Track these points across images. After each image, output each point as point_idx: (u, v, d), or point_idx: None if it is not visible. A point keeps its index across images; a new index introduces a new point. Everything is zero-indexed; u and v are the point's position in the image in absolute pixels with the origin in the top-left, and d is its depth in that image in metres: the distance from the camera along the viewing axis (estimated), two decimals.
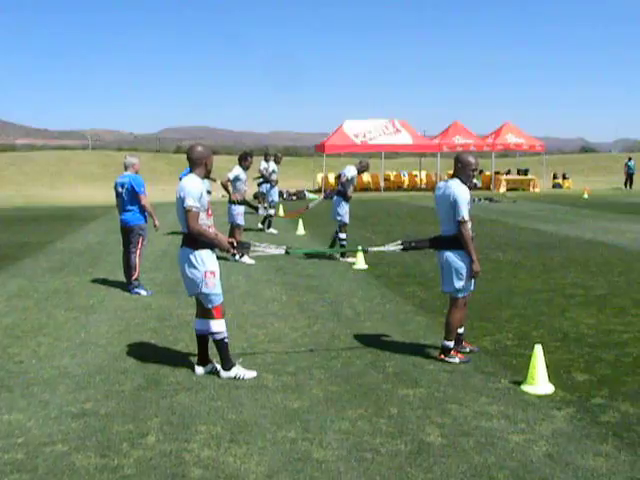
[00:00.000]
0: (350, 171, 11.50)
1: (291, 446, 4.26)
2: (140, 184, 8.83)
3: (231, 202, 11.72)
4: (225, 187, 11.83)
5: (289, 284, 9.41)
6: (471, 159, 5.88)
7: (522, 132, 37.81)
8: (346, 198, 11.54)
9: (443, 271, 5.95)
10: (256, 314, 7.66)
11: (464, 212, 5.66)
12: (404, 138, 34.97)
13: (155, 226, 9.00)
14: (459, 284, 5.83)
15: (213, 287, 5.44)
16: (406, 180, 38.76)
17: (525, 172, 37.72)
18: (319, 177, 35.56)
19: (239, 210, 11.72)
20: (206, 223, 5.45)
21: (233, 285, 9.31)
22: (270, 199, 17.04)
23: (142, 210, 8.89)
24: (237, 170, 11.92)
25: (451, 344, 5.95)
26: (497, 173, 36.88)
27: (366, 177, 34.62)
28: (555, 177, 40.09)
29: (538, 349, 5.27)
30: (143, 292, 8.81)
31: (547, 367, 5.31)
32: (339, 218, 11.59)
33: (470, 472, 3.92)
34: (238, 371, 5.52)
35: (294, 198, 29.16)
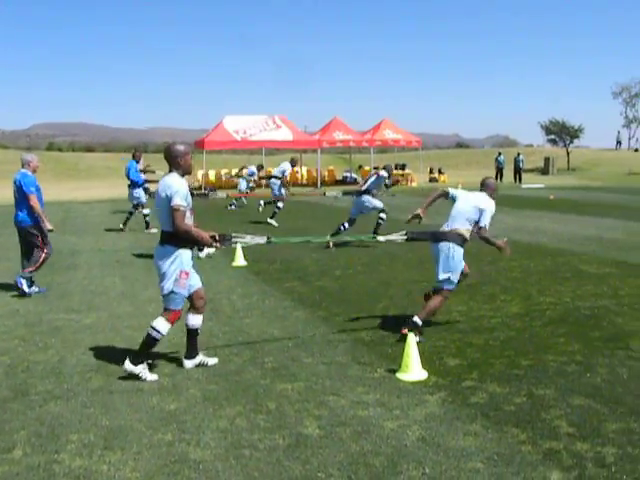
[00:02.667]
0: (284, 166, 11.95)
1: (168, 449, 4.18)
2: (29, 183, 8.45)
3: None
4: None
5: None
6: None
7: (399, 128, 38.87)
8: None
9: (440, 262, 6.46)
10: (132, 315, 7.46)
11: (488, 221, 6.60)
12: (284, 134, 35.10)
13: (48, 229, 8.62)
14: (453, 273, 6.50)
15: (183, 288, 5.45)
16: (287, 176, 38.83)
17: (403, 167, 38.83)
18: (199, 174, 35.05)
19: None
20: (190, 221, 5.45)
21: (108, 286, 9.04)
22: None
23: (32, 210, 8.48)
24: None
25: (420, 323, 6.29)
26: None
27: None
28: (431, 172, 41.52)
29: (411, 338, 5.44)
30: (25, 287, 8.47)
31: (421, 354, 5.49)
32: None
33: (347, 460, 3.99)
34: (142, 371, 5.41)
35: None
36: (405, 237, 6.72)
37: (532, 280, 9.17)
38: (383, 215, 12.92)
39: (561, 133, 59.27)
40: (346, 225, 12.49)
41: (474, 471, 3.85)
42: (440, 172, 41.04)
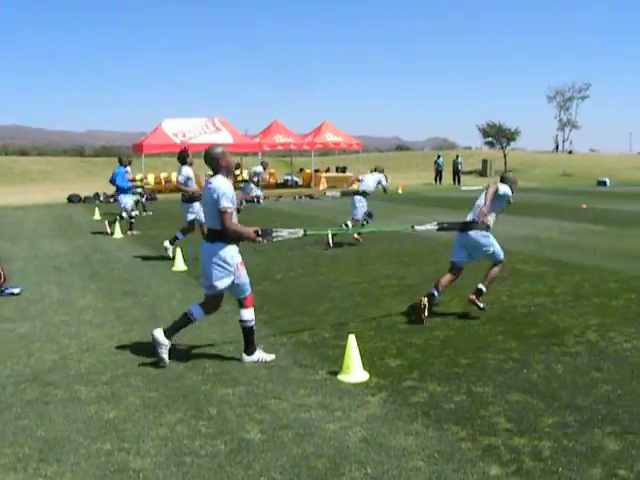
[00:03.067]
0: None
1: (107, 458, 4.09)
2: None
3: (187, 201, 11.38)
4: (180, 189, 11.55)
5: (104, 290, 9.05)
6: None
7: (340, 131, 39.11)
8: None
9: (472, 249, 7.40)
10: (69, 323, 7.29)
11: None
12: (225, 137, 34.87)
13: None
14: (492, 249, 7.34)
15: (245, 277, 5.82)
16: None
17: (344, 169, 39.07)
18: (138, 178, 34.46)
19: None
20: (236, 220, 5.80)
21: (44, 294, 8.81)
22: None
23: None
24: (186, 171, 11.39)
25: (485, 290, 7.37)
26: (317, 171, 37.85)
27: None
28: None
29: (351, 339, 5.46)
30: (15, 290, 8.77)
31: (362, 356, 5.52)
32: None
33: (289, 464, 3.98)
34: (260, 355, 5.89)
35: (111, 200, 28.10)
36: (437, 227, 7.64)
37: (471, 280, 9.31)
38: (369, 219, 13.45)
39: (498, 136, 60.55)
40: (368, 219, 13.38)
41: (415, 469, 3.89)
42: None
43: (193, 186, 11.43)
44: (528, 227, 16.07)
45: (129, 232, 15.79)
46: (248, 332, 5.89)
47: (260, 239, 5.91)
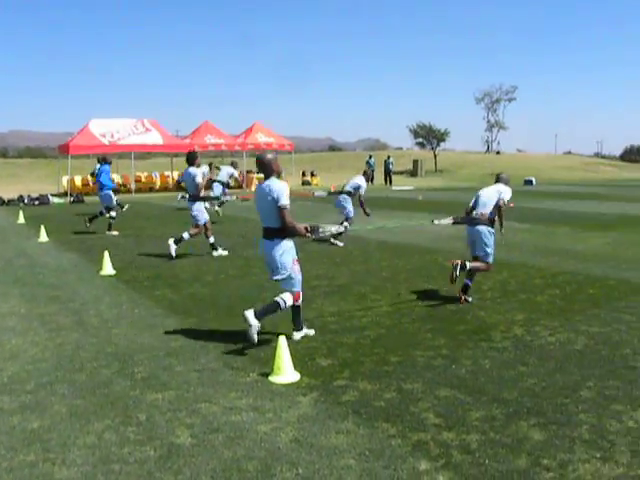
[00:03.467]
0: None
1: (30, 470, 3.96)
2: None
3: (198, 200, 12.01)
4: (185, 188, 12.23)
5: (28, 295, 8.76)
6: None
7: (272, 132, 39.06)
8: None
9: (478, 242, 8.10)
10: None
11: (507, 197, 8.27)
12: (154, 138, 34.37)
13: None
14: (489, 250, 8.11)
15: (298, 273, 6.42)
16: (158, 181, 38.04)
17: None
18: (64, 180, 33.56)
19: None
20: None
21: None
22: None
23: None
24: (195, 171, 11.98)
25: (468, 268, 7.91)
26: (249, 172, 37.67)
27: (117, 178, 33.41)
28: (304, 174, 41.99)
29: (282, 340, 5.46)
30: None
31: (293, 356, 5.52)
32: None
33: (220, 467, 3.94)
34: (306, 331, 6.62)
35: (36, 203, 27.33)
36: (452, 221, 8.77)
37: (401, 278, 9.47)
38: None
39: (428, 136, 61.65)
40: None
41: (346, 468, 3.91)
42: (313, 175, 41.63)
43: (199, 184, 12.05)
44: (458, 226, 16.34)
45: (108, 232, 15.77)
46: (275, 308, 6.34)
47: (309, 235, 6.47)
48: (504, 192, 8.26)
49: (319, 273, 9.92)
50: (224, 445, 4.24)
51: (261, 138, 37.64)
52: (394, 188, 35.14)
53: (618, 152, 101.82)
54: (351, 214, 13.94)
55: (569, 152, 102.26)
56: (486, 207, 8.14)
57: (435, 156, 59.15)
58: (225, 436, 4.36)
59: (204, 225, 11.97)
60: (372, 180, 39.63)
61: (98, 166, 16.45)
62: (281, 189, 6.17)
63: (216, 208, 19.19)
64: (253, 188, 34.75)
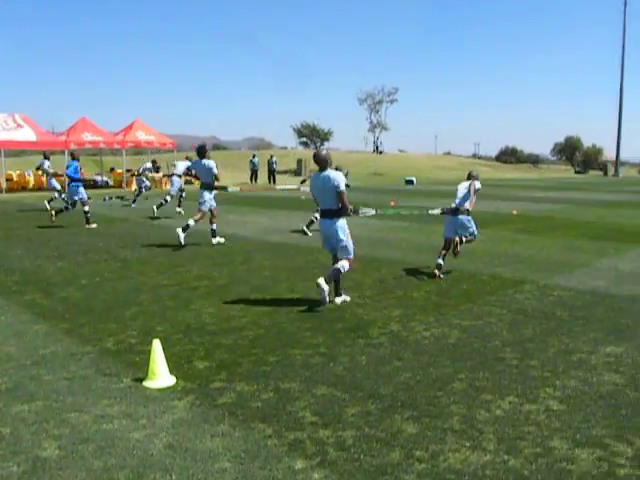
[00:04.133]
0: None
1: None
2: None
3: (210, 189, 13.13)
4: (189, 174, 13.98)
5: None
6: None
7: (152, 129, 38.18)
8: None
9: (460, 225, 10.11)
10: None
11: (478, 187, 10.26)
12: (27, 134, 32.68)
13: None
14: (472, 229, 10.23)
15: (352, 243, 8.11)
16: (32, 180, 36.22)
17: (157, 169, 38.08)
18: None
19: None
20: None
21: None
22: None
23: None
24: (211, 163, 13.11)
25: (458, 250, 10.31)
26: (129, 171, 36.63)
27: None
28: (187, 173, 41.23)
29: (156, 344, 5.32)
30: None
31: (169, 360, 5.40)
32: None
33: (89, 478, 3.78)
34: (344, 297, 8.07)
35: None
36: (440, 211, 10.51)
37: (282, 278, 9.47)
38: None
39: (312, 136, 62.26)
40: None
41: (221, 471, 3.85)
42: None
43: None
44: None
45: (87, 226, 16.25)
46: (335, 274, 7.94)
47: (352, 214, 8.23)
48: (476, 184, 10.25)
49: (200, 274, 9.76)
50: (94, 455, 4.07)
51: (141, 136, 36.71)
52: (278, 187, 35.15)
53: (494, 153, 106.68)
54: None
55: (448, 153, 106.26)
56: (462, 199, 10.12)
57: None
58: (96, 446, 4.19)
59: (211, 212, 13.16)
60: (256, 179, 39.60)
61: (67, 162, 17.67)
62: (340, 178, 7.80)
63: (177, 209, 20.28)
64: (134, 188, 33.86)
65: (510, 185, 41.60)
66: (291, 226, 16.19)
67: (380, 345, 6.23)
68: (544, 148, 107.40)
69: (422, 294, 8.45)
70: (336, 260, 8.12)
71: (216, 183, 13.42)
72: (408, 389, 5.11)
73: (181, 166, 20.76)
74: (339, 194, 7.72)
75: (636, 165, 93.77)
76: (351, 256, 8.04)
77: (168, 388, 5.14)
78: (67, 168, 16.91)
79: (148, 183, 24.31)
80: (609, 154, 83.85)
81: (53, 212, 16.72)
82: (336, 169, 14.78)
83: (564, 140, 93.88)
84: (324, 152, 8.08)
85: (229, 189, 17.33)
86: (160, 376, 5.21)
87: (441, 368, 5.60)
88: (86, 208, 16.53)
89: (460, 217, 10.10)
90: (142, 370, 5.43)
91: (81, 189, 16.56)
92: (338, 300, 7.96)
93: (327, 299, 7.68)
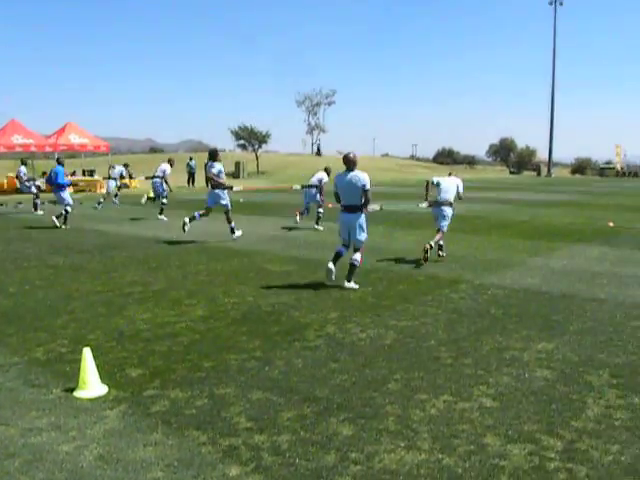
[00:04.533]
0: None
1: None
2: None
3: (222, 188, 14.19)
4: (210, 179, 14.18)
5: None
6: None
7: (86, 132, 37.37)
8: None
9: (440, 218, 11.44)
10: None
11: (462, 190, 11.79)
12: None
13: None
14: (446, 223, 11.54)
15: (367, 235, 9.30)
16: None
17: (91, 173, 37.39)
18: None
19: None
20: None
21: None
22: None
23: None
24: (219, 166, 14.06)
25: (438, 245, 11.57)
26: (73, 174, 35.76)
27: None
28: (122, 177, 40.51)
29: (87, 352, 5.18)
30: None
31: (101, 368, 5.28)
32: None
33: None
34: (353, 285, 8.97)
35: None
36: (428, 204, 11.97)
37: (218, 282, 9.37)
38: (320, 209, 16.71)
39: (250, 138, 61.95)
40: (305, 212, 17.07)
41: None
42: (131, 177, 40.25)
43: (223, 177, 14.28)
44: (276, 227, 16.58)
45: (63, 226, 16.99)
46: (353, 268, 9.05)
47: (366, 210, 9.23)
48: (460, 184, 11.69)
49: (133, 279, 9.57)
50: (21, 470, 3.92)
51: (75, 139, 35.88)
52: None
53: (431, 154, 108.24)
54: (322, 201, 16.81)
55: (387, 154, 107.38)
56: (448, 194, 11.40)
57: (257, 158, 59.57)
58: (23, 460, 4.05)
59: (227, 210, 14.35)
60: (193, 182, 39.15)
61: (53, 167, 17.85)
62: (366, 177, 8.91)
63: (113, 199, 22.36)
64: (104, 190, 33.00)
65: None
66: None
67: (316, 348, 6.22)
68: (480, 149, 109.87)
69: (359, 295, 8.48)
70: (344, 246, 9.25)
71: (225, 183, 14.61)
72: (344, 391, 5.11)
73: (117, 170, 20.73)
74: (366, 192, 8.88)
75: (568, 165, 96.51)
76: (363, 245, 9.24)
77: (99, 398, 5.01)
78: (56, 175, 17.47)
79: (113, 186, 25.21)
80: (542, 155, 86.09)
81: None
82: (325, 169, 16.89)
83: (499, 142, 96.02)
84: (352, 154, 9.03)
85: (234, 188, 17.90)
86: (91, 386, 5.07)
87: (377, 369, 5.62)
88: (68, 208, 17.29)
89: (444, 208, 11.45)
90: (73, 380, 5.27)
91: (67, 193, 17.54)
92: (347, 285, 8.94)
93: (333, 279, 8.96)
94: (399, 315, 7.47)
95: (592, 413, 4.76)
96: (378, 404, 4.87)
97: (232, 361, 5.82)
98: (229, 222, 14.32)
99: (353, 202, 8.93)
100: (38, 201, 22.64)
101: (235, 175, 52.38)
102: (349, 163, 8.96)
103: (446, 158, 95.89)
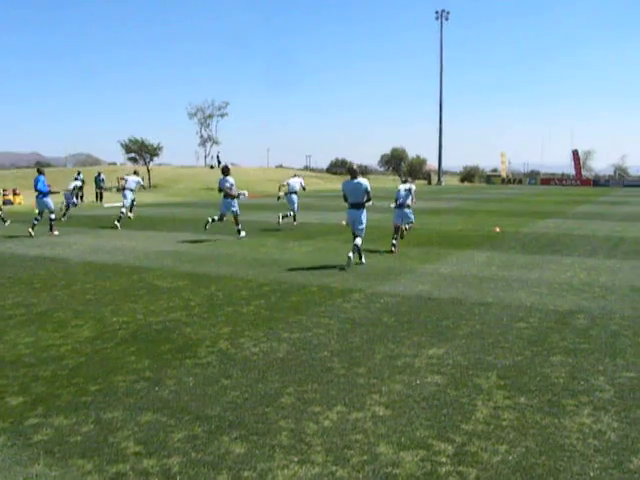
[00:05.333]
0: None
1: None
2: None
3: (232, 198, 16.97)
4: (227, 191, 16.87)
5: None
6: None
7: None
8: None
9: (405, 215, 14.87)
10: None
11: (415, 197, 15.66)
12: None
13: None
14: (412, 218, 15.70)
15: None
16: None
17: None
18: None
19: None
20: None
21: None
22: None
23: None
24: (231, 180, 17.00)
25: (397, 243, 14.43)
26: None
27: None
28: (5, 193, 38.69)
29: None
30: None
31: None
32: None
33: None
34: (364, 260, 12.36)
35: None
36: (394, 206, 14.98)
37: (106, 301, 9.04)
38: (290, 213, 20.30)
39: (141, 151, 60.61)
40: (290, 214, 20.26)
41: None
42: (15, 193, 38.52)
43: (235, 190, 17.12)
44: (167, 242, 16.23)
45: (50, 232, 18.42)
46: (356, 248, 11.98)
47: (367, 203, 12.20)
48: (413, 187, 15.22)
49: (16, 301, 9.08)
50: None
51: None
52: (106, 205, 33.75)
53: (325, 165, 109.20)
54: (296, 209, 20.40)
55: (281, 165, 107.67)
56: (406, 198, 14.85)
57: (149, 171, 58.30)
58: None
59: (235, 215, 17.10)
60: (82, 198, 37.83)
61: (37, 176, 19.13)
62: (368, 183, 12.08)
63: (128, 214, 22.65)
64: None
65: (340, 196, 42.88)
66: (117, 245, 15.58)
67: (208, 364, 6.09)
68: (373, 159, 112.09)
69: (252, 309, 8.40)
70: (355, 236, 12.04)
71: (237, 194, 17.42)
72: (236, 408, 5.03)
73: (133, 181, 22.73)
74: (368, 193, 12.00)
75: (457, 174, 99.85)
76: (363, 233, 12.21)
77: None
78: (37, 183, 18.68)
79: (75, 200, 25.04)
80: (432, 164, 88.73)
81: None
82: (295, 175, 21.84)
83: (390, 151, 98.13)
84: (355, 166, 12.55)
85: (241, 197, 20.35)
86: None
87: (270, 383, 5.56)
88: (52, 216, 18.91)
89: (405, 210, 14.87)
90: None
91: (49, 199, 18.90)
92: (364, 260, 12.35)
93: (351, 264, 11.78)
94: (292, 327, 7.45)
95: (481, 415, 4.90)
96: (271, 419, 4.82)
97: (120, 383, 5.61)
98: (237, 224, 17.16)
99: (357, 200, 11.96)
100: None
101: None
102: (354, 173, 12.04)
103: (340, 168, 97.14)
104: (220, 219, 17.29)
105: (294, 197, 20.42)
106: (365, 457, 4.22)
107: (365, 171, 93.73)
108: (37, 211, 19.25)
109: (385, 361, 6.19)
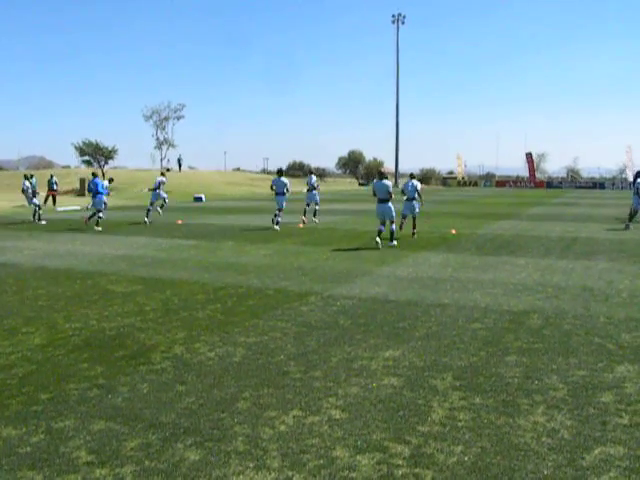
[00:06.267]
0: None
1: None
2: None
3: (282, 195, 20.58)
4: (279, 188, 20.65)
5: None
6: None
7: None
8: None
9: (412, 208, 18.15)
10: None
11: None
12: None
13: None
14: (417, 209, 18.49)
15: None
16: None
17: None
18: None
19: None
20: None
21: None
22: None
23: None
24: (286, 180, 20.97)
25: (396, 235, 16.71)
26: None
27: None
28: None
29: None
30: None
31: None
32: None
33: None
34: (395, 242, 15.63)
35: None
36: (406, 198, 18.07)
37: (59, 307, 8.85)
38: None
39: (95, 154, 59.80)
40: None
41: None
42: None
43: (290, 189, 21.25)
44: (122, 246, 15.98)
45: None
46: (393, 233, 15.53)
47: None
48: (390, 185, 15.96)
49: None
50: None
51: None
52: (59, 209, 33.09)
53: (283, 168, 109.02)
54: (282, 207, 20.78)
55: (238, 169, 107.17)
56: (413, 192, 17.85)
57: (104, 174, 57.53)
58: None
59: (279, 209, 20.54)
60: (53, 200, 37.03)
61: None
62: (390, 183, 15.78)
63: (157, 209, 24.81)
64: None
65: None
66: (71, 250, 15.30)
67: (163, 370, 6.01)
68: (330, 162, 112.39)
69: (207, 313, 8.32)
70: (382, 224, 15.58)
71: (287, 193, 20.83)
72: (191, 414, 4.96)
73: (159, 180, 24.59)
74: (390, 192, 15.50)
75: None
76: (394, 219, 15.73)
77: None
78: (97, 186, 22.07)
79: (37, 201, 25.38)
80: (389, 166, 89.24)
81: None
82: (310, 172, 25.87)
83: (347, 154, 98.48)
84: (383, 169, 18.77)
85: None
86: None
87: (225, 389, 5.51)
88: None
89: (413, 202, 17.94)
90: None
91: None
92: (390, 243, 15.37)
93: (380, 247, 14.86)
94: (248, 331, 7.40)
95: (437, 416, 4.92)
96: (227, 425, 4.77)
97: (72, 391, 5.49)
98: (277, 216, 20.45)
99: (384, 197, 15.50)
100: None
101: (79, 192, 50.20)
102: (382, 174, 16.03)
103: (297, 171, 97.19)
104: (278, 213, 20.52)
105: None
106: (321, 461, 4.20)
107: (323, 174, 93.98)
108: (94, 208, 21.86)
109: (341, 364, 6.18)
